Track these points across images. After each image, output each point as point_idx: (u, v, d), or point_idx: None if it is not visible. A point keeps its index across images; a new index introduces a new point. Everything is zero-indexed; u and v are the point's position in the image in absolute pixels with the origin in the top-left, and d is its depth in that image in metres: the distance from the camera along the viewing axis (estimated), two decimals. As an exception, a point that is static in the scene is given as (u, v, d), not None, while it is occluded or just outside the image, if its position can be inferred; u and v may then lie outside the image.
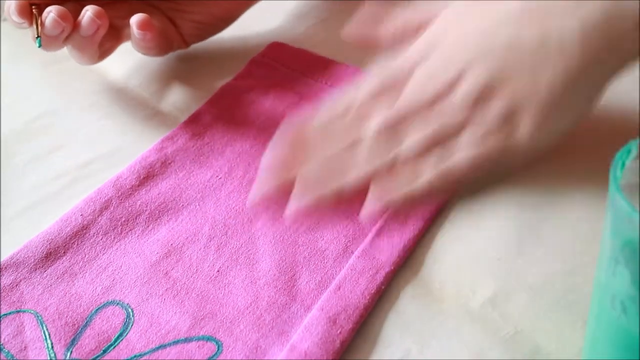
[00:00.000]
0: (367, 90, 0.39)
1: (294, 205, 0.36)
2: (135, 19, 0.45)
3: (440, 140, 0.36)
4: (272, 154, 0.38)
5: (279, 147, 0.38)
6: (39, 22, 0.44)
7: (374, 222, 0.39)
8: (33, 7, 0.44)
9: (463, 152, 0.36)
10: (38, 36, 0.44)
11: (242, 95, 0.49)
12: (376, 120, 0.37)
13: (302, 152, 0.38)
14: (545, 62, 0.36)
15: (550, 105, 0.35)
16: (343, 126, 0.38)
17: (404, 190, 0.35)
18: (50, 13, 0.44)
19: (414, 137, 0.36)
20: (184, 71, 0.53)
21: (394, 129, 0.37)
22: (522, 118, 0.35)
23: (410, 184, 0.36)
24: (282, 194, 0.36)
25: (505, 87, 0.36)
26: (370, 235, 0.38)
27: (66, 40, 0.46)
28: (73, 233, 0.39)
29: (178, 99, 0.51)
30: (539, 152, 0.36)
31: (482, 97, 0.36)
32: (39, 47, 0.45)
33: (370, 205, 0.35)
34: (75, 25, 0.45)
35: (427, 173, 0.36)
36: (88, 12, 0.44)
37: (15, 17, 0.44)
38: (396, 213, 0.36)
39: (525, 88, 0.36)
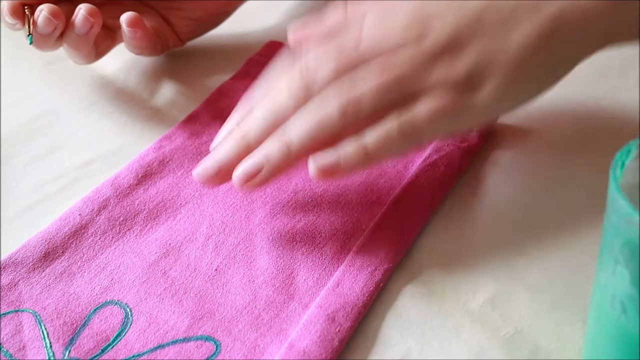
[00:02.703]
0: (314, 52, 0.38)
1: (242, 166, 0.36)
2: (124, 17, 0.46)
3: (399, 87, 0.35)
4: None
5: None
6: (31, 21, 0.44)
7: (328, 179, 0.37)
8: (25, 7, 0.45)
9: (425, 104, 0.35)
10: (29, 34, 0.44)
11: (239, 94, 0.49)
12: (328, 66, 0.36)
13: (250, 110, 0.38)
14: (517, 21, 0.35)
15: (517, 68, 0.35)
16: (292, 80, 0.37)
17: (361, 142, 0.35)
18: (43, 11, 0.44)
19: (371, 83, 0.35)
20: (183, 71, 0.53)
21: (349, 75, 0.36)
22: (488, 77, 0.35)
23: (370, 135, 0.35)
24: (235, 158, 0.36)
25: (475, 42, 0.36)
26: (368, 231, 0.38)
27: (61, 38, 0.46)
28: (71, 233, 0.39)
29: (177, 99, 0.51)
30: (500, 113, 0.37)
31: (449, 49, 0.35)
32: (30, 44, 0.45)
33: (323, 159, 0.35)
34: (69, 24, 0.45)
35: (388, 123, 0.35)
36: (81, 11, 0.45)
37: (8, 18, 0.45)
38: (352, 167, 0.35)
39: (494, 46, 0.35)
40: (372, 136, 0.35)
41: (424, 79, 0.35)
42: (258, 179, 0.36)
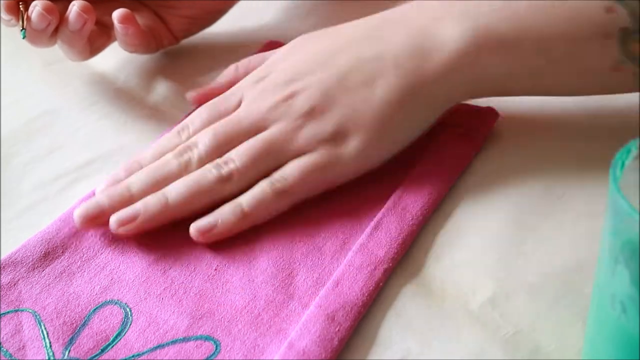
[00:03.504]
0: (198, 117, 0.42)
1: (121, 211, 0.38)
2: (116, 14, 0.46)
3: (272, 152, 0.39)
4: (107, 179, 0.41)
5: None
6: (25, 16, 0.45)
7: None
8: (20, 3, 0.45)
9: (295, 162, 0.39)
10: (23, 28, 0.45)
11: None
12: (206, 136, 0.40)
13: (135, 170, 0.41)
14: (381, 77, 0.39)
15: (380, 124, 0.39)
16: (175, 142, 0.41)
17: (237, 202, 0.38)
18: (36, 7, 0.44)
19: (245, 152, 0.39)
20: (183, 71, 0.53)
21: (226, 142, 0.40)
22: (352, 133, 0.39)
23: (245, 196, 0.39)
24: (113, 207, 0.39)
25: (340, 101, 0.39)
26: (367, 230, 0.38)
27: (55, 35, 0.46)
28: (71, 233, 0.39)
29: (177, 99, 0.51)
30: (369, 165, 0.40)
31: (315, 110, 0.40)
32: (24, 38, 0.45)
33: (201, 221, 0.38)
34: (63, 20, 0.45)
35: (262, 184, 0.39)
36: (74, 7, 0.45)
37: (3, 14, 0.45)
38: (229, 227, 0.38)
39: (358, 102, 0.39)
40: (247, 196, 0.39)
41: (294, 142, 0.39)
42: (133, 225, 0.38)
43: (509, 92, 0.42)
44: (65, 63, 0.51)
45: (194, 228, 0.38)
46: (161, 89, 0.52)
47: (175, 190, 0.39)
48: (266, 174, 0.39)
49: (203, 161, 0.40)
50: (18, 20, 0.45)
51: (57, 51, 0.48)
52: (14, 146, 0.47)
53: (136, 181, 0.39)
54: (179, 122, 0.44)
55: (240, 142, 0.40)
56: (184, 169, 0.40)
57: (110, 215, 0.38)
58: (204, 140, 0.40)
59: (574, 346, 0.33)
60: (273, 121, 0.40)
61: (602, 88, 0.42)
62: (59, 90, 0.53)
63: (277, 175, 0.39)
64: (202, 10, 0.52)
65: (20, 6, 0.45)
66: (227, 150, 0.40)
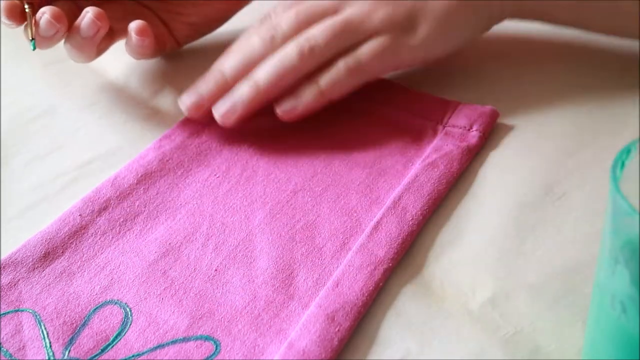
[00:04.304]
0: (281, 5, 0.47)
1: (220, 102, 0.44)
2: (134, 26, 0.46)
3: (349, 30, 0.44)
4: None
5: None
6: (33, 21, 0.44)
7: (294, 115, 0.44)
8: (26, 6, 0.44)
9: (369, 44, 0.44)
10: (32, 39, 0.44)
11: None
12: (288, 17, 0.45)
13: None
14: None
15: (444, 20, 0.45)
16: (262, 31, 0.45)
17: (315, 83, 0.43)
18: (45, 14, 0.44)
19: (324, 29, 0.44)
20: (183, 71, 0.53)
21: (306, 20, 0.45)
22: (421, 23, 0.45)
23: (322, 77, 0.43)
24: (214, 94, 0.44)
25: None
26: (367, 230, 0.38)
27: (66, 40, 0.46)
28: (71, 232, 0.39)
29: (177, 98, 0.51)
30: (431, 54, 0.46)
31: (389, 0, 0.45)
32: (34, 49, 0.45)
33: (285, 102, 0.43)
34: (75, 27, 0.45)
35: (337, 64, 0.43)
36: (89, 14, 0.45)
37: (4, 19, 0.45)
38: (310, 106, 0.43)
39: (424, 3, 0.45)
40: (324, 78, 0.43)
41: (369, 22, 0.44)
42: (235, 116, 0.44)
43: (550, 20, 0.48)
44: (65, 63, 0.51)
45: (280, 110, 0.43)
46: (161, 89, 0.52)
47: (263, 74, 0.43)
48: (343, 52, 0.44)
49: (286, 37, 0.44)
50: (19, 24, 0.44)
51: (57, 51, 0.48)
52: (14, 146, 0.47)
53: (228, 66, 0.44)
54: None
55: (318, 26, 0.44)
56: (270, 48, 0.44)
57: (209, 101, 0.44)
58: (286, 20, 0.45)
59: (574, 346, 0.33)
60: (350, 4, 0.45)
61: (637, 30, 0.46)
62: (59, 90, 0.53)
63: (352, 56, 0.43)
64: (206, 18, 0.52)
65: (27, 8, 0.44)
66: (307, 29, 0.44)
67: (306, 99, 0.43)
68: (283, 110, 0.43)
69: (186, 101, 0.45)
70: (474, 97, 0.48)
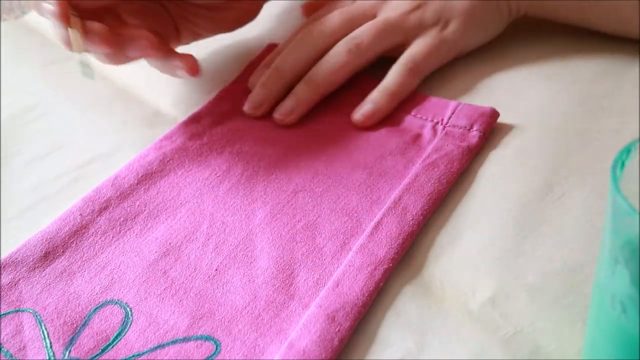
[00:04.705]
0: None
1: (278, 112, 0.47)
2: (188, 65, 0.45)
3: (390, 30, 0.49)
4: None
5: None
6: (80, 30, 0.41)
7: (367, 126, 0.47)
8: (71, 14, 0.41)
9: (418, 42, 0.49)
10: (87, 71, 0.43)
11: (241, 98, 0.49)
12: (335, 17, 0.49)
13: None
14: None
15: (468, 16, 0.50)
16: (311, 29, 0.49)
17: (386, 86, 0.47)
18: (96, 36, 0.42)
19: (370, 31, 0.48)
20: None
21: (351, 21, 0.50)
22: (451, 18, 0.50)
23: (387, 78, 0.48)
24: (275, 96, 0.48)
25: (432, 3, 0.50)
26: (368, 231, 0.38)
27: (108, 57, 0.45)
28: (72, 232, 0.39)
29: (178, 100, 0.51)
30: (465, 46, 0.51)
31: (420, 4, 0.50)
32: (91, 79, 0.44)
33: (361, 108, 0.47)
34: (122, 45, 0.43)
35: (396, 66, 0.48)
36: (144, 42, 0.44)
37: (55, 20, 0.41)
38: (383, 108, 0.47)
39: (447, 4, 0.50)
40: (386, 78, 0.48)
41: (406, 24, 0.49)
42: (294, 116, 0.47)
43: (558, 18, 0.52)
44: (65, 63, 0.51)
45: (356, 118, 0.47)
46: (162, 89, 0.52)
47: (320, 73, 0.47)
48: (389, 50, 0.49)
49: (335, 36, 0.49)
50: (68, 26, 0.41)
51: (57, 51, 0.48)
52: (14, 146, 0.47)
53: (284, 63, 0.48)
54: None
55: (363, 28, 0.49)
56: (323, 48, 0.48)
57: (271, 100, 0.48)
58: (333, 20, 0.49)
59: (574, 346, 0.33)
60: (384, 9, 0.50)
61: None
62: (59, 90, 0.53)
63: (406, 54, 0.49)
64: (213, 32, 0.52)
65: (73, 17, 0.41)
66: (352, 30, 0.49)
67: (378, 102, 0.47)
68: (362, 113, 0.47)
69: (248, 104, 0.48)
70: (474, 97, 0.48)
